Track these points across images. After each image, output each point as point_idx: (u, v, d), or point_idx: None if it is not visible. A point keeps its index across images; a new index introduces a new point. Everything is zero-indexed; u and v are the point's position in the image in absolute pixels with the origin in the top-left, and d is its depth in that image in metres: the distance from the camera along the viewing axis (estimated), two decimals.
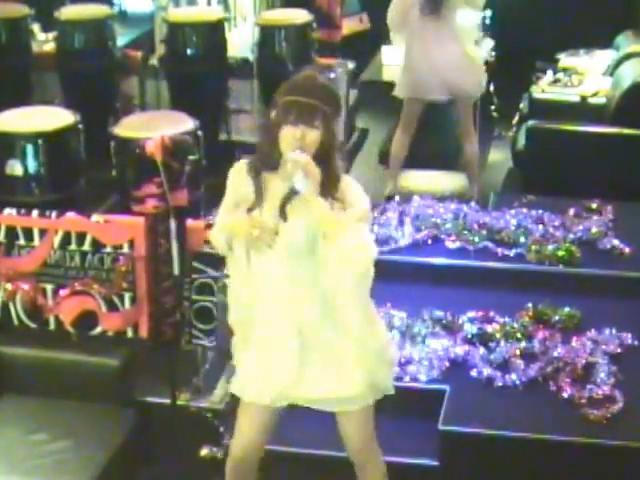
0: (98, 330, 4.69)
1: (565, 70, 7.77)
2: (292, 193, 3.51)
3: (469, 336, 5.12)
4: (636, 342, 5.12)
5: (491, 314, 5.29)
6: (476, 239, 5.87)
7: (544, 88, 7.55)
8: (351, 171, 7.26)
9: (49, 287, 4.69)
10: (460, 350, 5.01)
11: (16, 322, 4.75)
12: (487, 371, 4.88)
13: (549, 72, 7.75)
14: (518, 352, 4.98)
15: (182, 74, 7.20)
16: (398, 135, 6.83)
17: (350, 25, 8.98)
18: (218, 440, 4.59)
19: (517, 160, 7.26)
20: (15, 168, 5.53)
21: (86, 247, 4.60)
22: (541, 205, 6.21)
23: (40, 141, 5.55)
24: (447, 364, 4.95)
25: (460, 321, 5.24)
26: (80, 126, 5.70)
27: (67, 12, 7.26)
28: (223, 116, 7.37)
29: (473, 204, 6.29)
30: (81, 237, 4.60)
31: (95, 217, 4.63)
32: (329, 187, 3.52)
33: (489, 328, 5.16)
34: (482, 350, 5.01)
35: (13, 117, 5.69)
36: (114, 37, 7.31)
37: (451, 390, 4.80)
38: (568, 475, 4.54)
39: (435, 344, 5.06)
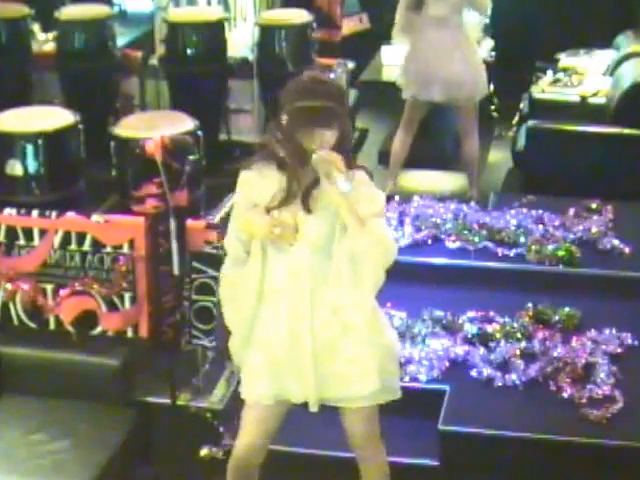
0: (98, 330, 4.69)
1: (565, 70, 7.77)
2: (312, 186, 3.56)
3: (469, 336, 5.12)
4: (636, 342, 5.12)
5: (491, 314, 5.29)
6: (476, 239, 5.87)
7: (544, 88, 7.56)
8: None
9: (49, 287, 4.69)
10: (460, 350, 5.01)
11: (16, 322, 4.76)
12: (487, 371, 4.88)
13: (549, 72, 7.75)
14: (518, 352, 4.98)
15: (182, 74, 7.20)
16: (399, 135, 6.82)
17: (350, 25, 8.98)
18: (218, 440, 4.59)
19: (517, 160, 7.25)
20: (15, 168, 5.53)
21: (86, 247, 4.60)
22: (541, 205, 6.21)
23: (40, 141, 5.54)
24: (447, 364, 4.95)
25: (460, 321, 5.24)
26: (80, 126, 5.69)
27: (67, 12, 7.25)
28: (223, 116, 7.37)
29: (473, 204, 6.30)
30: (81, 237, 4.60)
31: (95, 217, 4.63)
32: (353, 183, 3.55)
33: (489, 328, 5.17)
34: (482, 350, 5.02)
35: (13, 117, 5.69)
36: (114, 37, 7.31)
37: (451, 390, 4.80)
38: (568, 475, 4.54)
39: (435, 344, 5.06)
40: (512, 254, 5.78)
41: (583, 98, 7.37)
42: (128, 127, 5.66)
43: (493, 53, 8.31)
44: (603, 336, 5.12)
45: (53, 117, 5.71)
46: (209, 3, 8.37)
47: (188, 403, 4.72)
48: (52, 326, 4.73)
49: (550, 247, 5.75)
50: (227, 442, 4.48)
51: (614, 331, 5.15)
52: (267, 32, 7.36)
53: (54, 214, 4.64)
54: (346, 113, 3.60)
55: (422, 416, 4.72)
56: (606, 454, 4.49)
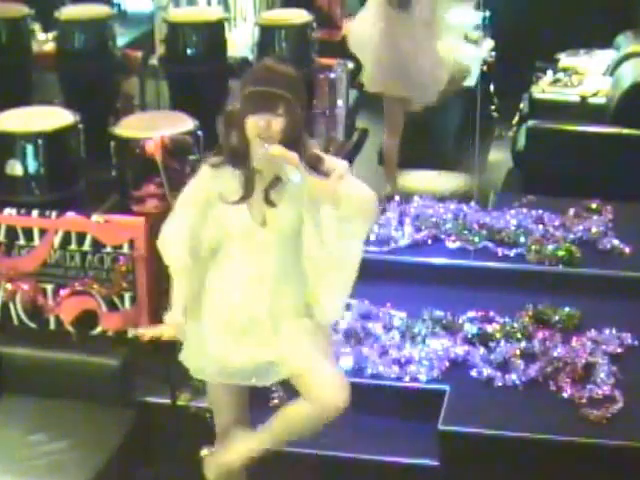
0: (98, 330, 4.69)
1: (565, 70, 7.77)
2: (276, 179, 3.61)
3: (469, 336, 5.13)
4: (636, 342, 5.13)
5: (491, 314, 5.30)
6: (476, 239, 5.87)
7: (544, 88, 7.55)
8: (351, 171, 7.26)
9: (49, 287, 4.69)
10: (460, 350, 5.01)
11: (16, 322, 4.76)
12: (487, 371, 4.88)
13: (549, 72, 7.75)
14: (518, 352, 4.98)
15: (182, 74, 7.19)
16: (386, 140, 6.82)
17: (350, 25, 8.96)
18: None
19: (517, 160, 7.25)
20: (15, 168, 5.52)
21: (86, 247, 4.60)
22: (541, 205, 6.21)
23: (40, 141, 5.53)
24: (447, 364, 4.95)
25: (460, 321, 5.24)
26: (80, 126, 5.69)
27: (67, 12, 7.24)
28: None
29: (473, 204, 6.30)
30: (81, 237, 4.60)
31: (95, 217, 4.63)
32: (314, 165, 3.60)
33: (489, 328, 5.17)
34: (482, 350, 5.02)
35: (13, 117, 5.68)
36: (114, 37, 7.30)
37: (451, 390, 4.80)
38: (568, 475, 4.54)
39: (435, 344, 5.06)
40: (512, 254, 5.78)
41: (583, 98, 7.37)
42: (128, 127, 5.65)
43: (493, 53, 8.31)
44: (603, 336, 5.13)
45: (53, 117, 5.71)
46: (209, 3, 8.37)
47: (188, 403, 4.72)
48: (52, 326, 4.73)
49: (550, 247, 5.75)
50: None
51: (614, 331, 5.15)
52: (267, 32, 7.35)
53: (54, 214, 4.64)
54: (299, 102, 3.61)
55: (422, 416, 4.72)
56: (606, 454, 4.49)
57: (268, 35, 7.34)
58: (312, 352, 3.71)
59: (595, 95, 7.37)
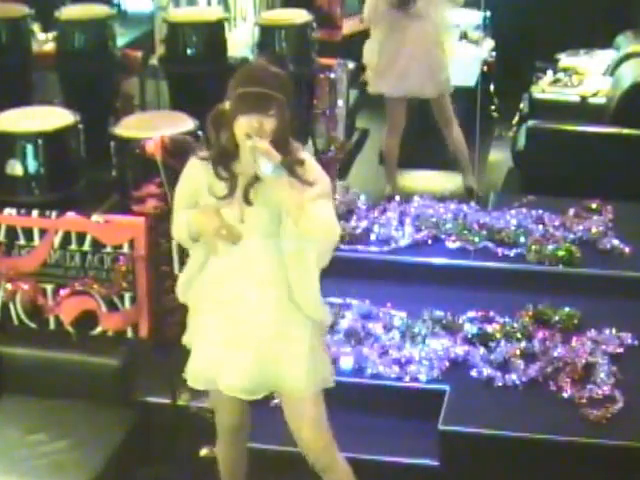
0: (98, 330, 4.69)
1: (565, 70, 7.77)
2: (255, 179, 3.64)
3: (469, 336, 5.13)
4: (636, 342, 5.13)
5: (491, 314, 5.30)
6: (476, 239, 5.87)
7: (544, 88, 7.56)
8: (351, 171, 7.27)
9: (49, 287, 4.69)
10: (460, 350, 5.01)
11: (16, 322, 4.75)
12: (487, 371, 4.88)
13: (549, 72, 7.75)
14: (518, 352, 4.98)
15: (182, 74, 7.20)
16: (386, 138, 6.84)
17: (350, 25, 8.97)
18: None
19: (517, 160, 7.25)
20: (15, 168, 5.53)
21: (86, 247, 4.60)
22: (541, 205, 6.21)
23: (40, 141, 5.54)
24: (447, 364, 4.95)
25: (460, 321, 5.24)
26: (80, 126, 5.69)
27: (67, 12, 7.25)
28: None
29: (473, 204, 6.30)
30: (81, 237, 4.60)
31: (95, 217, 4.63)
32: (293, 169, 3.62)
33: (489, 328, 5.17)
34: (482, 350, 5.02)
35: (13, 117, 5.69)
36: (114, 37, 7.30)
37: (451, 390, 4.80)
38: (568, 475, 4.54)
39: (435, 344, 5.06)
40: (512, 254, 5.78)
41: (583, 98, 7.37)
42: (128, 127, 5.66)
43: (493, 53, 8.31)
44: (603, 336, 5.13)
45: (53, 117, 5.71)
46: (209, 3, 8.37)
47: (188, 403, 4.72)
48: (52, 326, 4.72)
49: (550, 247, 5.75)
50: None
51: (614, 331, 5.16)
52: (267, 32, 7.36)
53: (54, 214, 4.63)
54: (288, 103, 3.62)
55: (422, 416, 4.72)
56: (606, 454, 4.49)
57: (268, 35, 7.35)
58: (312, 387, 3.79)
59: (595, 95, 7.38)
